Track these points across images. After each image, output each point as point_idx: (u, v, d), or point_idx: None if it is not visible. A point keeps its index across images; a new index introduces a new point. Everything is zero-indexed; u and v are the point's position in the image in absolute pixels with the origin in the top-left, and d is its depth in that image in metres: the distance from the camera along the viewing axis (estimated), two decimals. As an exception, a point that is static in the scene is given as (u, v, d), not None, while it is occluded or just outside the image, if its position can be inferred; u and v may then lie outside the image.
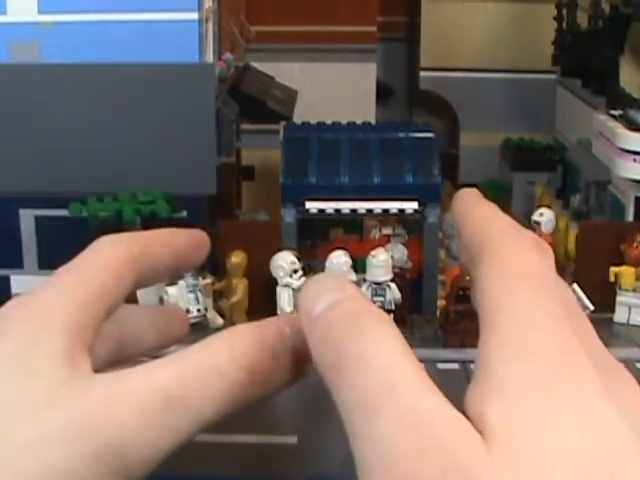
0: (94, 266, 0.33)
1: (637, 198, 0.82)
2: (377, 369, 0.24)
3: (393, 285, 0.74)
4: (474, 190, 0.34)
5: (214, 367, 0.28)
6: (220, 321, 0.76)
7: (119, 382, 0.29)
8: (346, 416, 0.25)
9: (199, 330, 0.73)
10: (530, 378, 0.24)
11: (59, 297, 0.31)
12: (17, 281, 0.81)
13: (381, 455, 0.24)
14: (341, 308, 0.26)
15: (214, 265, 0.80)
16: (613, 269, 0.78)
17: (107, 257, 0.33)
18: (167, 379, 0.28)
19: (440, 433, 0.23)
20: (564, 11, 1.07)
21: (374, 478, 0.24)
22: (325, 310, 0.27)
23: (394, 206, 0.79)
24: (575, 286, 0.77)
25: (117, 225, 0.77)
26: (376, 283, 0.74)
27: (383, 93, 1.23)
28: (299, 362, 0.30)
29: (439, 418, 0.24)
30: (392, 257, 0.75)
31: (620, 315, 0.78)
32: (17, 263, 0.82)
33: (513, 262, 0.28)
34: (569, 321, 0.26)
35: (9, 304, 0.31)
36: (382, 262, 0.74)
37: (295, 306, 0.73)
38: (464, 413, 0.25)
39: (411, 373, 0.25)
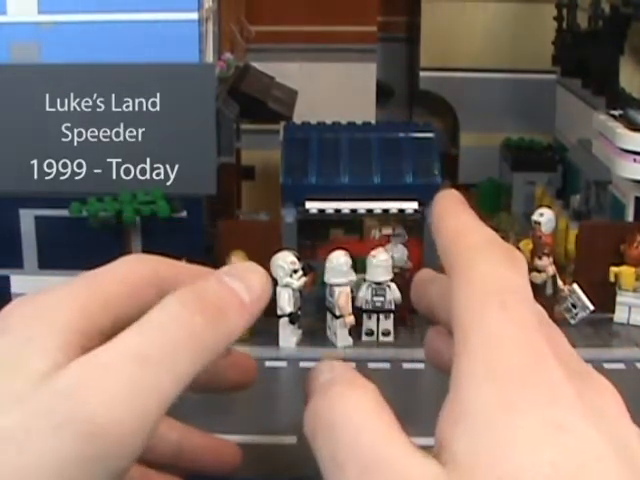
0: (110, 276, 0.32)
1: (637, 198, 0.82)
2: (343, 431, 0.27)
3: (393, 285, 0.74)
4: (452, 193, 0.33)
5: (171, 319, 0.29)
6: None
7: (93, 357, 0.28)
8: (324, 476, 0.27)
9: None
10: (499, 400, 0.24)
11: (64, 299, 0.30)
12: (17, 281, 0.81)
13: None
14: (322, 388, 0.29)
15: (214, 265, 0.80)
16: (613, 269, 0.78)
17: (127, 270, 0.33)
18: (136, 342, 0.28)
19: (400, 476, 0.25)
20: (564, 11, 1.07)
21: None
22: (314, 394, 0.29)
23: (394, 206, 0.79)
24: (575, 286, 0.77)
25: (117, 225, 0.77)
26: (376, 283, 0.74)
27: (383, 93, 1.23)
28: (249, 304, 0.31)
29: (399, 462, 0.25)
30: (392, 257, 0.75)
31: (620, 315, 0.78)
32: (17, 263, 0.81)
33: (483, 277, 0.28)
34: (541, 331, 0.26)
35: (16, 302, 0.31)
36: (382, 262, 0.74)
37: (294, 306, 0.74)
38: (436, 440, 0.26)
39: (374, 427, 0.26)
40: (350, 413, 0.27)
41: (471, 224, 0.31)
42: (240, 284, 0.32)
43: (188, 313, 0.29)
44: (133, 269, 0.33)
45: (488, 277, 0.28)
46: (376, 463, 0.25)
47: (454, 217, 0.31)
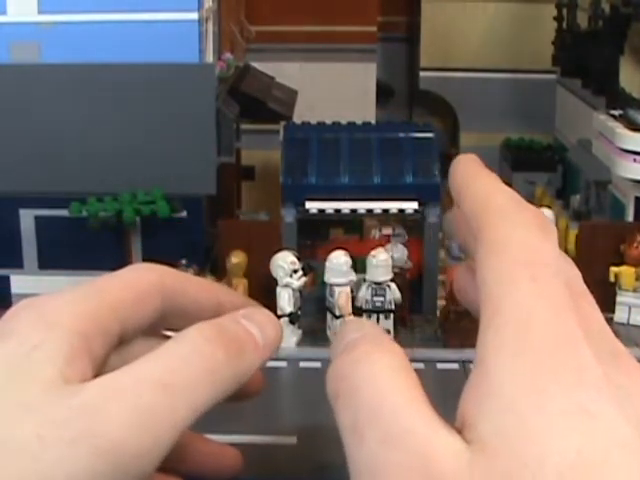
0: (116, 281, 0.33)
1: (637, 198, 0.82)
2: (366, 396, 0.26)
3: (393, 285, 0.74)
4: (472, 157, 0.32)
5: (194, 351, 0.30)
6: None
7: (111, 380, 0.29)
8: (343, 441, 0.26)
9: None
10: (526, 380, 0.24)
11: (69, 304, 0.31)
12: (17, 281, 0.82)
13: (369, 474, 0.25)
14: (348, 347, 0.28)
15: (214, 265, 0.80)
16: (613, 269, 0.78)
17: (134, 277, 0.33)
18: (156, 369, 0.29)
19: (422, 449, 0.24)
20: (564, 11, 1.07)
21: None
22: (340, 352, 0.28)
23: (394, 206, 0.79)
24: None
25: (117, 225, 0.77)
26: (376, 283, 0.74)
27: (383, 93, 1.23)
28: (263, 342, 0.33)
29: (421, 434, 0.25)
30: (392, 257, 0.75)
31: (620, 315, 0.78)
32: (17, 263, 0.82)
33: (513, 247, 0.27)
34: (573, 308, 0.26)
35: (21, 304, 0.31)
36: (382, 262, 0.74)
37: (294, 306, 0.74)
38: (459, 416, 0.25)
39: (398, 395, 0.26)
40: (375, 377, 0.26)
41: (497, 187, 0.29)
42: (256, 328, 0.33)
43: (210, 347, 0.30)
44: (140, 276, 0.33)
45: (518, 246, 0.27)
46: (397, 434, 0.25)
47: (480, 180, 0.30)
